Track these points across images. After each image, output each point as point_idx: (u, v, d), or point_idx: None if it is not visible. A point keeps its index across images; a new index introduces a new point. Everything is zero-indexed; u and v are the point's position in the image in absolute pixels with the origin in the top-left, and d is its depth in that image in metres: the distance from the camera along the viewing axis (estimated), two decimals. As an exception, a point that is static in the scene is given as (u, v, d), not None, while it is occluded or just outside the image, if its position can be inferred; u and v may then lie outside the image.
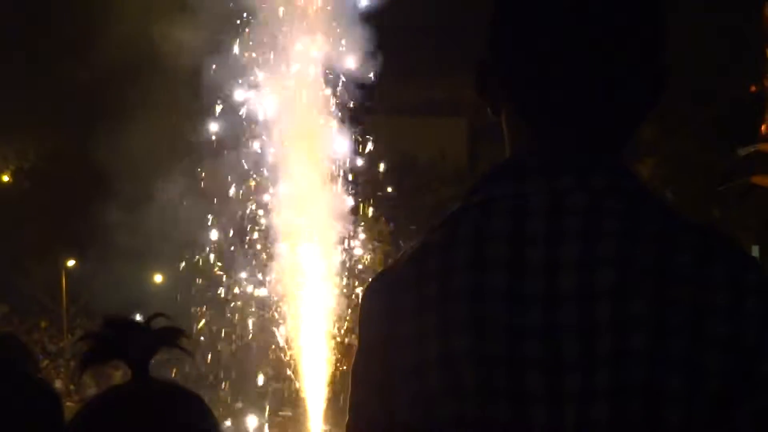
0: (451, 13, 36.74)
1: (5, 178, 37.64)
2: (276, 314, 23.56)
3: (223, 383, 27.08)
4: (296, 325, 22.66)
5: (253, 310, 24.20)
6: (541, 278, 1.55)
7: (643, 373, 1.50)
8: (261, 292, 23.82)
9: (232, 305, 24.56)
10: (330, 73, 21.77)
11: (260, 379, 25.63)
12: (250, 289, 24.08)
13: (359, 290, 22.66)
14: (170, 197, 22.95)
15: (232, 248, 23.94)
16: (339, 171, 22.26)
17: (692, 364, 1.50)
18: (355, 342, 1.68)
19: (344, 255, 23.20)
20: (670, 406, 1.50)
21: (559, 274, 1.54)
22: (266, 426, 25.89)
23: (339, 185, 22.29)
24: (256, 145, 22.45)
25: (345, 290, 23.06)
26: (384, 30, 21.68)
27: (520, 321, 1.54)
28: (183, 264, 25.18)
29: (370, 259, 25.27)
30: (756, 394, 1.52)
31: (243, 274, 24.01)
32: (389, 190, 25.74)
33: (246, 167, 22.73)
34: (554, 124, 1.63)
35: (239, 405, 26.91)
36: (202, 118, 22.66)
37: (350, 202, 22.78)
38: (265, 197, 22.70)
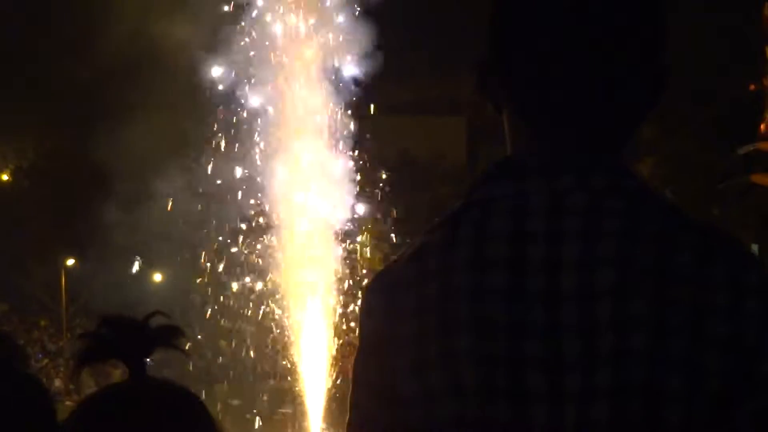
0: (450, 12, 36.74)
1: (5, 177, 37.66)
2: (275, 313, 23.56)
3: (224, 380, 27.12)
4: (296, 324, 22.66)
5: (253, 308, 24.21)
6: (541, 278, 1.55)
7: (643, 372, 1.50)
8: (261, 290, 23.82)
9: (231, 303, 24.57)
10: (331, 70, 21.73)
11: (259, 378, 25.65)
12: (249, 286, 24.08)
13: (359, 289, 22.68)
14: (170, 196, 22.97)
15: (232, 246, 23.95)
16: (339, 169, 22.25)
17: (692, 364, 1.50)
18: (355, 340, 1.67)
19: (344, 253, 23.20)
20: (670, 406, 1.50)
21: (559, 273, 1.54)
22: (266, 424, 25.92)
23: (339, 185, 22.29)
24: (254, 141, 22.44)
25: (344, 288, 23.06)
26: (383, 30, 21.68)
27: (521, 321, 1.54)
28: (182, 263, 25.19)
29: (370, 257, 25.29)
30: (756, 394, 1.52)
31: (243, 273, 24.02)
32: (387, 189, 25.73)
33: (245, 164, 22.73)
34: (554, 124, 1.63)
35: (237, 402, 26.92)
36: (201, 115, 22.66)
37: (350, 200, 22.77)
38: (264, 196, 22.69)
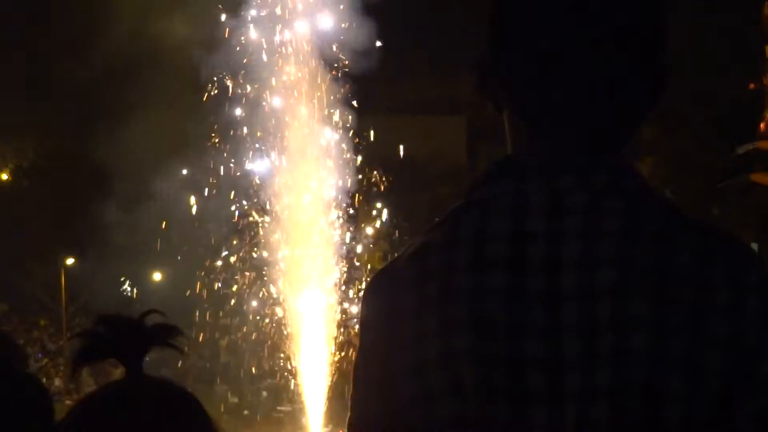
0: (450, 12, 36.75)
1: (4, 177, 37.65)
2: (275, 311, 23.58)
3: (223, 379, 27.13)
4: (295, 322, 22.67)
5: (251, 306, 24.22)
6: (541, 278, 1.55)
7: (643, 373, 1.50)
8: (260, 289, 23.84)
9: (231, 300, 24.59)
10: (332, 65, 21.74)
11: (258, 376, 25.68)
12: (248, 284, 24.09)
13: (358, 288, 22.69)
14: (169, 195, 22.99)
15: (231, 244, 23.96)
16: (338, 167, 22.27)
17: (692, 364, 1.50)
18: (354, 339, 1.67)
19: (344, 252, 23.21)
20: (671, 406, 1.50)
21: (559, 273, 1.54)
22: (264, 422, 25.94)
23: (338, 182, 22.29)
24: (254, 139, 22.45)
25: (343, 287, 23.07)
26: (384, 29, 21.69)
27: (521, 320, 1.54)
28: (182, 262, 25.21)
29: (369, 256, 25.30)
30: (756, 394, 1.51)
31: (242, 271, 24.03)
32: (383, 188, 25.75)
33: (244, 160, 22.74)
34: (554, 124, 1.63)
35: (236, 401, 26.94)
36: (201, 114, 22.66)
37: (350, 199, 22.79)
38: (263, 194, 22.71)
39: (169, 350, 1.90)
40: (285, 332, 23.12)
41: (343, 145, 22.32)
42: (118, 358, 1.85)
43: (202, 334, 26.15)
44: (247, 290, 24.12)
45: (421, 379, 1.58)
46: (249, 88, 22.25)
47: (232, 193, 23.21)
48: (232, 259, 24.10)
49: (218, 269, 24.41)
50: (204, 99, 22.28)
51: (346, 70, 21.83)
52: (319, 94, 22.06)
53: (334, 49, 21.72)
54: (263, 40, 22.08)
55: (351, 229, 23.61)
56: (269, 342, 23.95)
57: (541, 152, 1.63)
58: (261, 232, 23.17)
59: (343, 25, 21.64)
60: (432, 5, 38.09)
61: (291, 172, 22.11)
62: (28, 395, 2.36)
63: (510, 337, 1.54)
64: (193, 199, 23.78)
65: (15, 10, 33.95)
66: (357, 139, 22.80)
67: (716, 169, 29.88)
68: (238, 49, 22.00)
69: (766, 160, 27.84)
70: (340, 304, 22.87)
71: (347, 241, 23.40)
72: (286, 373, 23.81)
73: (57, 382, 31.34)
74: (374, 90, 23.33)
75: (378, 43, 21.51)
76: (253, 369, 25.58)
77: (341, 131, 22.32)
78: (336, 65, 21.92)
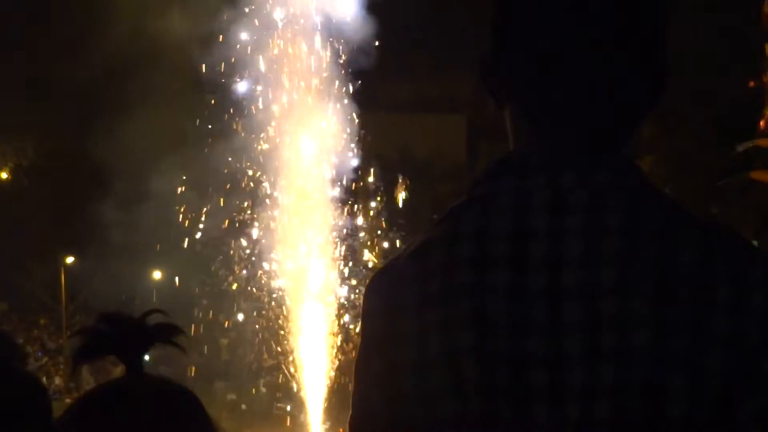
0: (450, 11, 36.75)
1: (4, 176, 37.62)
2: (274, 310, 23.56)
3: (223, 377, 27.11)
4: (294, 321, 22.66)
5: (251, 304, 24.22)
6: (543, 275, 1.55)
7: (644, 371, 1.50)
8: (259, 287, 23.83)
9: (229, 299, 24.59)
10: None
11: (258, 374, 25.66)
12: (246, 282, 24.09)
13: (358, 285, 22.68)
14: (168, 193, 22.97)
15: (229, 241, 23.95)
16: (337, 166, 22.26)
17: (694, 362, 1.50)
18: (353, 337, 1.67)
19: (343, 250, 23.21)
20: (672, 404, 1.50)
21: (561, 271, 1.54)
22: (264, 420, 25.92)
23: (337, 180, 22.29)
24: (252, 135, 22.44)
25: (343, 285, 23.07)
26: (384, 28, 21.68)
27: (522, 318, 1.54)
28: (181, 260, 25.20)
29: (369, 255, 25.28)
30: (758, 393, 1.51)
31: (241, 269, 24.02)
32: (386, 186, 25.76)
33: (242, 157, 22.73)
34: (554, 124, 1.63)
35: (235, 398, 26.92)
36: (200, 111, 22.65)
37: (349, 198, 22.79)
38: (263, 190, 22.70)
39: (168, 348, 1.90)
40: (284, 330, 23.12)
41: (343, 144, 22.30)
42: (118, 356, 1.86)
43: (201, 332, 26.15)
44: (247, 288, 24.11)
45: (423, 377, 1.58)
46: (248, 87, 22.23)
47: (230, 189, 23.19)
48: (231, 256, 24.10)
49: (218, 268, 24.40)
50: (202, 95, 22.27)
51: (349, 69, 21.82)
52: (319, 91, 22.04)
53: (336, 47, 21.71)
54: (263, 37, 22.06)
55: (351, 227, 23.60)
56: (269, 339, 23.94)
57: (542, 151, 1.63)
58: (261, 233, 23.15)
59: (343, 24, 21.63)
60: (432, 4, 38.08)
61: (290, 172, 22.10)
62: (27, 395, 2.36)
63: (511, 335, 1.54)
64: (191, 196, 23.78)
65: (15, 9, 33.94)
66: (358, 138, 22.79)
67: (716, 168, 29.83)
68: (238, 47, 21.99)
69: (766, 157, 27.81)
70: (340, 303, 22.86)
71: (347, 240, 23.39)
72: (285, 371, 23.80)
73: (57, 380, 31.34)
74: (374, 89, 23.30)
75: (378, 42, 21.51)
76: (253, 366, 25.58)
77: (341, 129, 22.31)
78: (338, 64, 21.91)
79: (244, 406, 27.10)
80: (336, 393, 22.08)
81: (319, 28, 21.81)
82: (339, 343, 22.51)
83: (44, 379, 27.92)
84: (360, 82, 22.17)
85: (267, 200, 22.69)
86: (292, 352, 22.92)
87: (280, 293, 23.07)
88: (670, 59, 1.66)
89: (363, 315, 1.70)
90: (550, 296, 1.54)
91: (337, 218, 22.49)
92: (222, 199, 23.52)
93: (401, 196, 29.87)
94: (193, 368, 26.77)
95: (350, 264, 23.72)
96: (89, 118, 30.60)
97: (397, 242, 27.06)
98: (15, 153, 37.60)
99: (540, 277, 1.54)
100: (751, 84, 28.25)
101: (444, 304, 1.58)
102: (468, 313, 1.56)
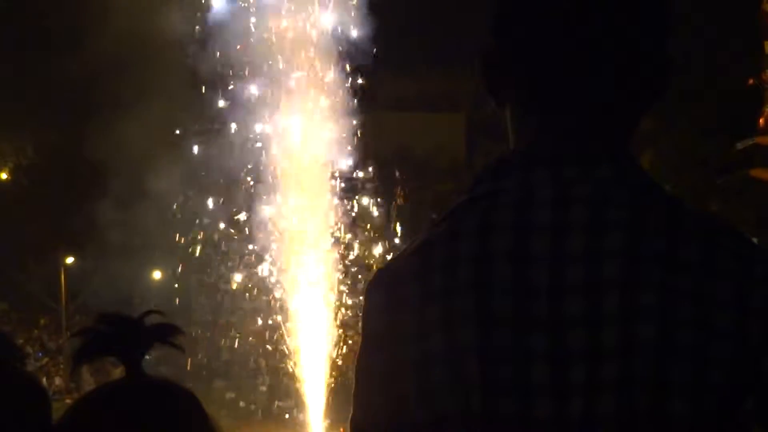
0: (450, 9, 36.77)
1: (3, 176, 37.64)
2: (274, 309, 23.59)
3: (223, 375, 27.13)
4: (294, 319, 22.69)
5: (250, 303, 24.23)
6: (546, 270, 1.54)
7: (648, 366, 1.49)
8: (259, 286, 23.84)
9: (229, 298, 24.60)
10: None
11: (258, 372, 25.68)
12: (245, 280, 24.10)
13: (358, 283, 22.70)
14: (168, 192, 22.98)
15: (229, 240, 23.97)
16: (336, 164, 22.27)
17: (698, 356, 1.50)
18: (354, 334, 1.67)
19: (343, 249, 23.22)
20: (676, 399, 1.49)
21: (564, 266, 1.54)
22: (264, 418, 25.94)
23: (336, 178, 22.30)
24: (251, 131, 22.46)
25: (343, 283, 23.09)
26: (384, 26, 21.69)
27: (526, 313, 1.53)
28: (181, 259, 25.22)
29: (369, 254, 25.30)
30: (760, 390, 1.51)
31: (240, 267, 24.05)
32: (386, 184, 25.78)
33: (242, 156, 22.75)
34: (556, 119, 1.63)
35: (235, 396, 26.95)
36: (199, 108, 22.66)
37: (349, 196, 22.80)
38: (263, 189, 22.72)
39: (168, 348, 1.90)
40: (284, 329, 23.14)
41: (342, 142, 22.32)
42: (117, 356, 1.86)
43: (201, 332, 26.17)
44: (246, 286, 24.13)
45: (425, 373, 1.57)
46: (248, 86, 22.24)
47: (229, 187, 23.21)
48: (230, 254, 24.12)
49: (217, 268, 24.43)
50: (201, 91, 22.29)
51: (349, 68, 21.83)
52: (318, 89, 22.05)
53: (336, 45, 21.73)
54: (263, 31, 22.06)
55: (351, 226, 23.62)
56: (268, 338, 23.96)
57: (544, 145, 1.62)
58: (260, 232, 23.16)
59: (344, 21, 21.64)
60: (432, 2, 38.12)
61: (290, 171, 22.11)
62: (27, 395, 2.36)
63: (514, 331, 1.53)
64: (190, 195, 23.80)
65: (15, 10, 33.98)
66: (357, 135, 22.80)
67: (715, 165, 29.89)
68: (238, 47, 22.00)
69: (766, 155, 27.86)
70: (340, 301, 22.88)
71: (347, 239, 23.41)
72: (286, 369, 23.82)
73: (57, 381, 31.37)
74: (374, 87, 23.32)
75: (377, 40, 21.52)
76: (253, 365, 25.61)
77: (340, 127, 22.32)
78: (338, 62, 21.92)
79: (242, 403, 27.13)
80: (336, 391, 22.10)
81: (319, 26, 21.81)
82: (339, 342, 22.53)
83: (44, 379, 27.99)
84: (359, 80, 22.18)
85: (266, 199, 22.70)
86: (291, 350, 22.94)
87: (280, 292, 23.09)
88: (672, 56, 1.66)
89: (364, 313, 1.70)
90: (553, 292, 1.53)
91: (336, 217, 22.50)
92: (221, 199, 23.53)
93: (400, 193, 29.88)
94: (193, 368, 26.79)
95: (350, 263, 23.73)
96: (88, 117, 30.63)
97: (397, 240, 27.08)
98: (14, 152, 37.62)
99: (543, 273, 1.54)
100: (751, 82, 28.30)
101: (445, 300, 1.57)
102: (470, 310, 1.55)
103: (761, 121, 27.90)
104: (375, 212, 26.22)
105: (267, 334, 23.92)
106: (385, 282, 1.67)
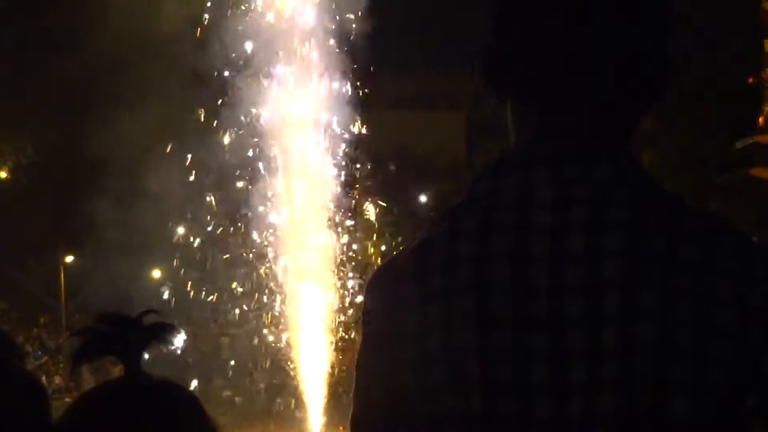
0: (450, 8, 36.78)
1: (3, 175, 37.64)
2: (274, 308, 23.59)
3: (222, 375, 27.12)
4: (294, 318, 22.68)
5: (250, 302, 24.23)
6: (546, 270, 1.54)
7: (648, 365, 1.49)
8: (259, 285, 23.85)
9: (228, 297, 24.60)
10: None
11: (257, 371, 25.67)
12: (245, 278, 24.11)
13: (357, 282, 22.71)
14: (168, 191, 22.96)
15: (229, 239, 23.96)
16: (336, 163, 22.27)
17: (698, 356, 1.50)
18: (354, 334, 1.68)
19: (342, 248, 23.21)
20: (677, 398, 1.49)
21: (564, 266, 1.54)
22: (264, 417, 25.94)
23: (336, 178, 22.30)
24: (252, 132, 22.44)
25: (343, 282, 23.08)
26: (384, 24, 21.69)
27: (526, 313, 1.53)
28: (180, 258, 25.21)
29: (368, 253, 25.31)
30: (760, 389, 1.51)
31: (240, 266, 24.04)
32: (386, 183, 25.77)
33: (241, 156, 22.74)
34: (556, 119, 1.63)
35: (234, 395, 26.94)
36: (199, 106, 22.65)
37: (348, 195, 22.80)
38: (262, 189, 22.71)
39: (167, 348, 1.90)
40: (284, 328, 23.14)
41: (342, 141, 22.32)
42: (117, 355, 1.86)
43: (200, 331, 26.17)
44: (245, 285, 24.13)
45: (425, 372, 1.57)
46: (247, 84, 22.24)
47: (228, 185, 23.21)
48: (230, 253, 24.12)
49: (217, 266, 24.43)
50: (201, 90, 22.28)
51: (349, 67, 21.83)
52: (318, 87, 22.05)
53: (335, 43, 21.72)
54: (261, 33, 22.06)
55: (350, 224, 23.61)
56: (268, 338, 23.96)
57: (544, 145, 1.62)
58: (260, 231, 23.17)
59: (343, 20, 21.64)
60: (432, 2, 38.14)
61: (289, 170, 22.11)
62: (27, 394, 2.36)
63: (513, 331, 1.53)
64: (189, 194, 23.81)
65: (15, 9, 33.97)
66: (356, 134, 22.79)
67: (714, 164, 29.89)
68: (238, 45, 22.00)
69: (765, 154, 27.85)
70: (340, 300, 22.88)
71: (346, 238, 23.40)
72: (285, 368, 23.82)
73: (57, 379, 31.36)
74: (373, 85, 23.33)
75: (377, 39, 21.51)
76: (252, 364, 25.61)
77: (340, 126, 22.31)
78: (337, 60, 21.92)
79: (239, 399, 27.13)
80: (336, 391, 22.09)
81: (319, 25, 21.81)
82: (339, 341, 22.53)
83: (44, 378, 27.98)
84: (359, 78, 22.18)
85: (266, 198, 22.70)
86: (291, 349, 22.93)
87: (279, 290, 23.09)
88: (673, 55, 1.66)
89: (364, 312, 1.70)
90: (553, 292, 1.53)
91: (336, 216, 22.50)
92: (220, 197, 23.54)
93: (399, 192, 29.89)
94: (192, 367, 26.80)
95: (350, 262, 23.73)
96: (88, 116, 30.62)
97: (396, 240, 27.08)
98: (14, 152, 37.61)
99: (543, 273, 1.54)
100: (750, 81, 28.29)
101: (445, 300, 1.57)
102: (469, 310, 1.55)
103: (761, 120, 27.89)
104: (374, 212, 26.22)
105: (267, 333, 23.92)
106: (385, 281, 1.67)
